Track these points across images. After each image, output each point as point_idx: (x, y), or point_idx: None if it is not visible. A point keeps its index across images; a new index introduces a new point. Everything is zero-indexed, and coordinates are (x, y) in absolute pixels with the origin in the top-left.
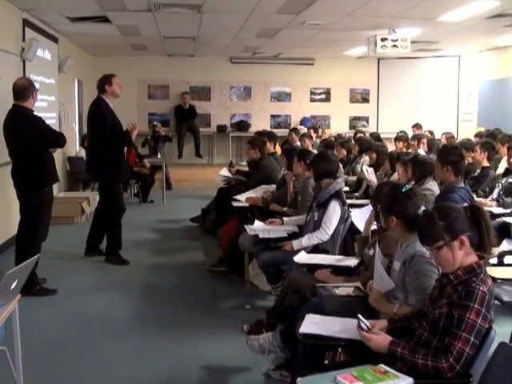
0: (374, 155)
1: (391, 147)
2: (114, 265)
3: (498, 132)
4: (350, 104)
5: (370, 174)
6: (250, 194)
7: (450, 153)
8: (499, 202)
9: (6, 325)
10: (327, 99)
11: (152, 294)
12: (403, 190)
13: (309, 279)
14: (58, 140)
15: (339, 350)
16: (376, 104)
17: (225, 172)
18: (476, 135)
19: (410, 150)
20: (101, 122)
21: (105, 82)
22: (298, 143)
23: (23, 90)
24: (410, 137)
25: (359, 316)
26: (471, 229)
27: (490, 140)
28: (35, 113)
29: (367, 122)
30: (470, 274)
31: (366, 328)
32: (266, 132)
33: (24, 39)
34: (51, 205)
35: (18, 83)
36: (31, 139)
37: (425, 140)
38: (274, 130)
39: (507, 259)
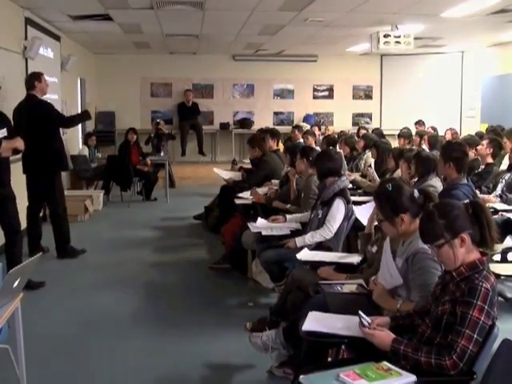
0: (375, 151)
1: (394, 144)
2: (71, 258)
3: (501, 129)
4: (352, 101)
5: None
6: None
7: (454, 149)
8: (502, 198)
9: (8, 323)
10: (330, 96)
11: (155, 292)
12: (390, 188)
13: (312, 276)
14: None
15: (342, 347)
16: (379, 100)
17: (219, 171)
18: (477, 134)
19: (413, 147)
20: (47, 118)
21: (34, 78)
22: (301, 140)
23: None
24: (413, 133)
25: (360, 313)
26: (473, 225)
27: (498, 138)
28: None
29: (370, 118)
30: (472, 271)
31: (367, 324)
32: (269, 129)
33: (26, 38)
34: None
35: None
36: None
37: (425, 136)
38: (277, 127)
39: (510, 256)
